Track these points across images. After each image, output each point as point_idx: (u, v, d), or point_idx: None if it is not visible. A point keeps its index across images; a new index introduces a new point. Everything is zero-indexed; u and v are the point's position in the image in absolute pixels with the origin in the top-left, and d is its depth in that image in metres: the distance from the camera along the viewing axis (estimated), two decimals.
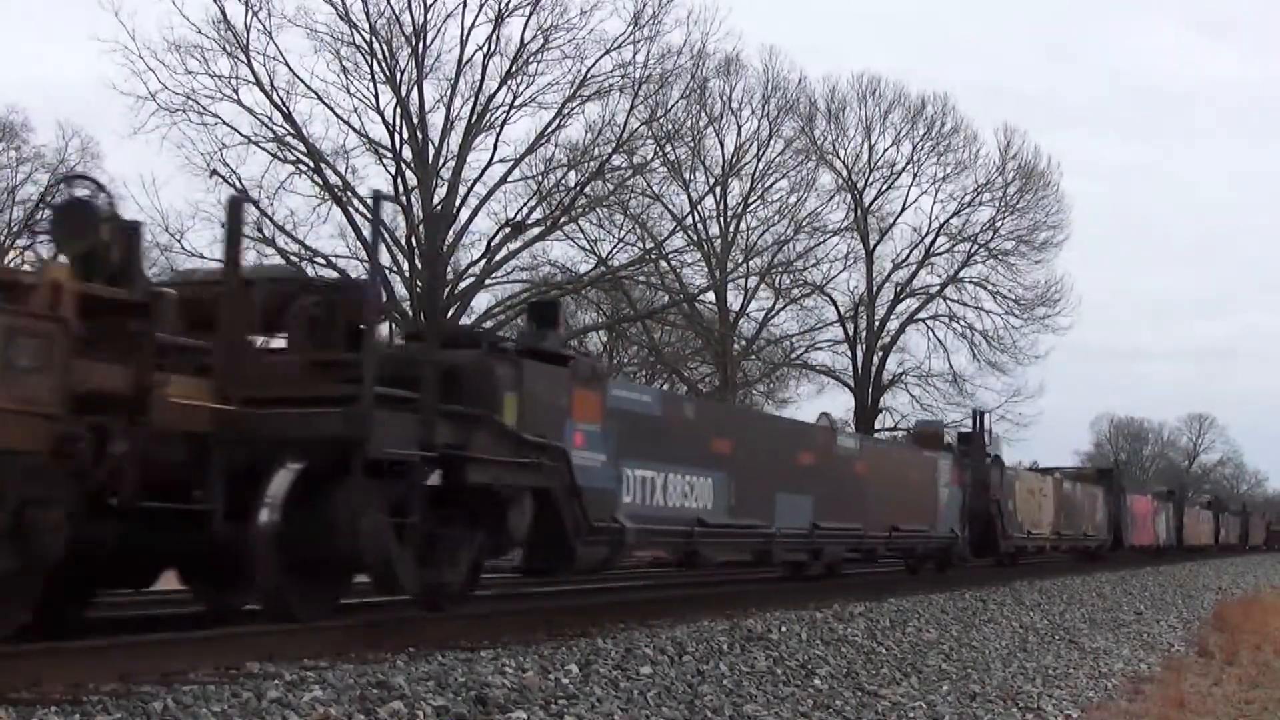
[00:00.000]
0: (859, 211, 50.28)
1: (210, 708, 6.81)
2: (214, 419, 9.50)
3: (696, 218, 43.51)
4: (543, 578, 15.14)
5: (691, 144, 40.97)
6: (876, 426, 50.28)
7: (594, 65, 33.81)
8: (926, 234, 52.06)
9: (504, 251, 34.71)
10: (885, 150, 50.97)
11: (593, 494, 12.43)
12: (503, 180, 34.47)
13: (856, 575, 22.62)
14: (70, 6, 73.29)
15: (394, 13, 32.97)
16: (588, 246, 41.09)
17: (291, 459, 9.56)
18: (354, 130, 33.18)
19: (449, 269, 34.00)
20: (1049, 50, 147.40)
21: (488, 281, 35.29)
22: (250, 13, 31.25)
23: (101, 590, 10.94)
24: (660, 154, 37.50)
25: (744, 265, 43.43)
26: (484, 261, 34.65)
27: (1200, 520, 59.24)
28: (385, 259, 33.67)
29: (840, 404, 51.77)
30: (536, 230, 35.25)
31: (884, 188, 51.30)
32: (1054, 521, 31.84)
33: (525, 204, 35.07)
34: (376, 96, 33.29)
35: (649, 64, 34.11)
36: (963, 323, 52.44)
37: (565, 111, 34.05)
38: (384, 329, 13.52)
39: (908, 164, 51.26)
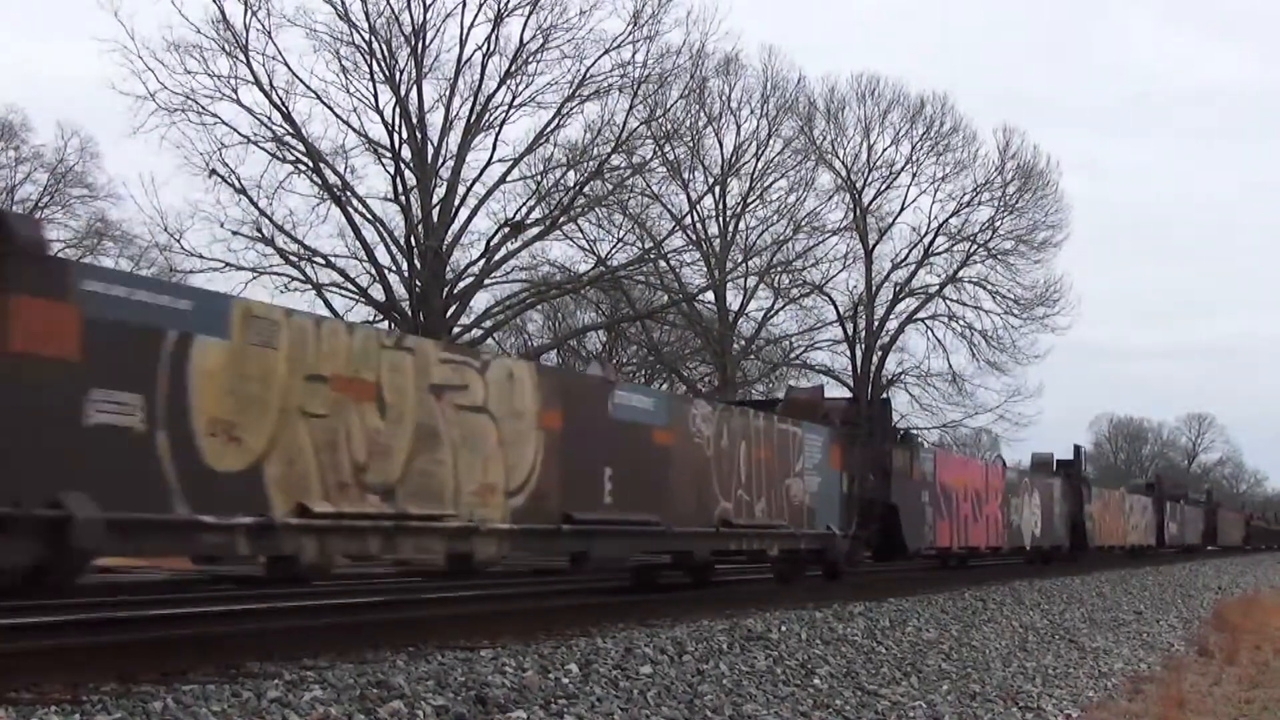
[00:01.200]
0: (858, 211, 50.29)
1: (210, 707, 6.81)
2: None
3: (695, 217, 43.58)
4: None
5: (690, 144, 41.02)
6: None
7: (593, 65, 33.87)
8: (925, 234, 52.13)
9: (503, 251, 34.72)
10: (884, 150, 51.08)
11: None
12: (502, 180, 34.52)
13: None
14: (70, 6, 73.25)
15: (393, 12, 33.02)
16: (587, 246, 41.20)
17: None
18: (353, 130, 33.22)
19: (448, 269, 33.99)
20: (1049, 50, 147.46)
21: (487, 281, 35.30)
22: (249, 12, 31.25)
23: None
24: (659, 154, 37.52)
25: (743, 265, 43.45)
26: (483, 261, 34.66)
27: (1126, 510, 40.18)
28: (384, 258, 33.79)
29: None
30: (536, 230, 35.25)
31: (883, 187, 51.39)
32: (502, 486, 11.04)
33: (524, 204, 35.12)
34: (376, 96, 33.34)
35: (648, 64, 34.16)
36: (962, 322, 52.52)
37: (564, 111, 34.09)
38: None
39: (907, 164, 51.34)
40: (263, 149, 32.24)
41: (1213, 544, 59.35)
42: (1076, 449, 35.34)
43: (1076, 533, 32.40)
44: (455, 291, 34.18)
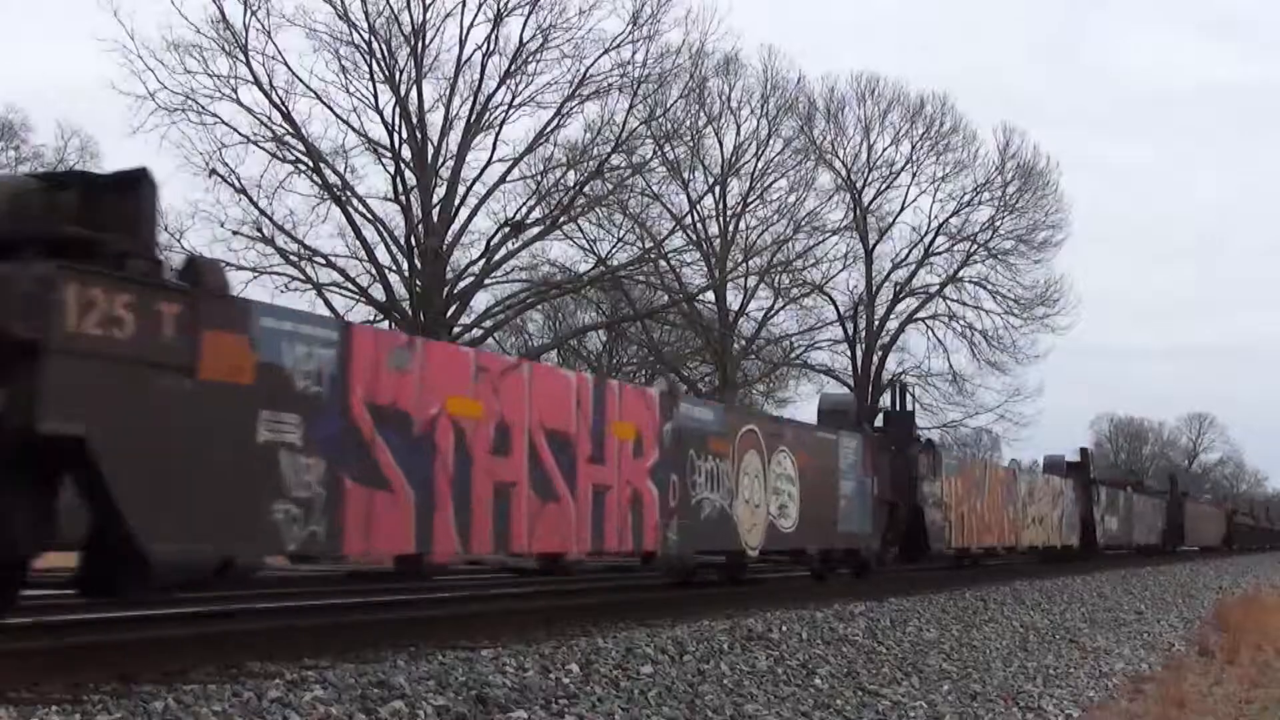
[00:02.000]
0: (858, 211, 50.30)
1: (211, 707, 6.80)
2: None
3: (696, 217, 43.55)
4: None
5: (690, 144, 40.96)
6: (876, 426, 50.22)
7: (593, 65, 33.84)
8: (926, 233, 52.19)
9: (503, 251, 34.71)
10: (884, 150, 51.12)
11: None
12: (502, 180, 34.50)
13: None
14: (70, 6, 73.26)
15: (393, 12, 32.98)
16: (587, 246, 41.19)
17: None
18: (353, 130, 33.18)
19: (448, 268, 33.99)
20: (1049, 50, 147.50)
21: (487, 281, 35.28)
22: (249, 12, 31.20)
23: None
24: (659, 154, 37.50)
25: (743, 265, 43.41)
26: (483, 261, 34.65)
27: (1019, 496, 27.66)
28: (385, 258, 33.77)
29: None
30: (536, 230, 35.24)
31: (883, 187, 51.44)
32: None
33: (524, 204, 35.10)
34: (376, 96, 33.31)
35: (648, 63, 34.12)
36: (962, 322, 52.54)
37: (564, 111, 34.06)
38: None
39: (907, 163, 51.37)
40: (263, 149, 32.25)
41: (1179, 545, 47.91)
42: (900, 389, 24.61)
43: (900, 526, 20.99)
44: (455, 291, 34.17)
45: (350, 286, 33.74)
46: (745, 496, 15.21)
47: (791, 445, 16.79)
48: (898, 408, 22.36)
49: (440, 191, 33.46)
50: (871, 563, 19.83)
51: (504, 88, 33.75)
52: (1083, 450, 37.09)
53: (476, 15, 33.31)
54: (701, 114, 41.50)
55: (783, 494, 16.32)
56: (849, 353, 51.40)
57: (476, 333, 35.17)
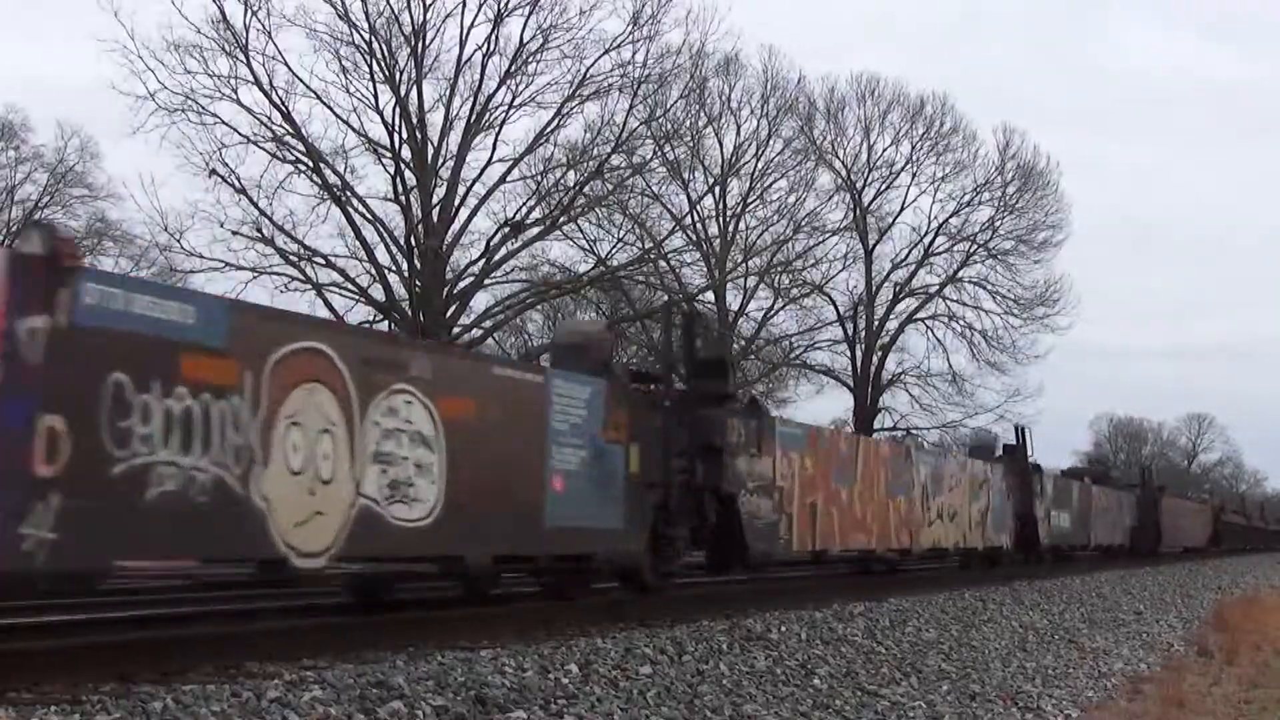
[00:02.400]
0: (858, 211, 50.33)
1: (210, 707, 6.81)
2: None
3: (695, 217, 43.59)
4: None
5: (690, 144, 40.98)
6: (875, 426, 50.29)
7: (593, 65, 33.86)
8: (925, 234, 52.22)
9: (503, 251, 34.72)
10: (884, 150, 51.17)
11: None
12: (502, 180, 34.51)
13: None
14: (70, 6, 73.19)
15: (393, 12, 33.00)
16: (587, 246, 41.22)
17: None
18: (353, 130, 33.20)
19: (448, 269, 33.99)
20: (1049, 50, 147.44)
21: (487, 281, 35.29)
22: (249, 12, 31.23)
23: None
24: (659, 154, 37.51)
25: (743, 265, 43.43)
26: (483, 261, 34.66)
27: (925, 486, 21.39)
28: (384, 258, 33.77)
29: (840, 404, 51.84)
30: (536, 230, 35.25)
31: (883, 187, 51.48)
32: None
33: (524, 204, 35.12)
34: (376, 96, 33.33)
35: (648, 64, 34.14)
36: (962, 322, 52.56)
37: (564, 111, 34.07)
38: None
39: (907, 164, 51.42)
40: (263, 149, 32.26)
41: (1155, 545, 41.31)
42: (689, 319, 17.51)
43: (700, 520, 14.58)
44: (455, 291, 34.18)
45: (350, 287, 33.77)
46: (291, 464, 8.84)
47: (427, 385, 10.16)
48: (675, 344, 15.97)
49: (440, 192, 33.47)
50: (645, 572, 13.72)
51: (504, 88, 33.81)
52: (1019, 429, 28.94)
53: (477, 15, 33.38)
54: (701, 114, 41.57)
55: (402, 464, 9.92)
56: (849, 353, 51.46)
57: (476, 333, 35.20)
